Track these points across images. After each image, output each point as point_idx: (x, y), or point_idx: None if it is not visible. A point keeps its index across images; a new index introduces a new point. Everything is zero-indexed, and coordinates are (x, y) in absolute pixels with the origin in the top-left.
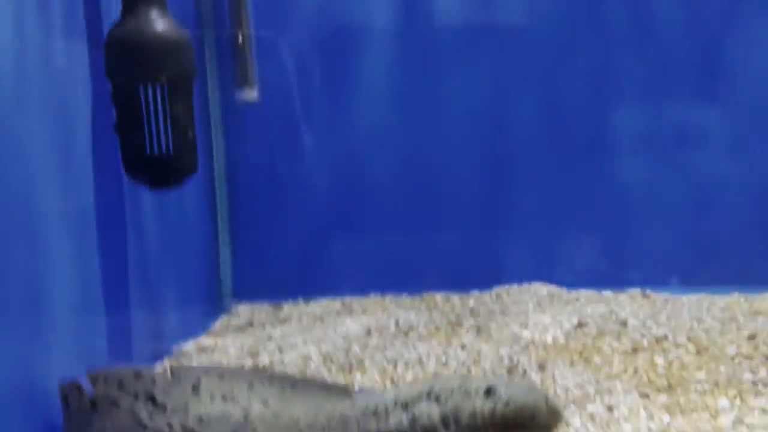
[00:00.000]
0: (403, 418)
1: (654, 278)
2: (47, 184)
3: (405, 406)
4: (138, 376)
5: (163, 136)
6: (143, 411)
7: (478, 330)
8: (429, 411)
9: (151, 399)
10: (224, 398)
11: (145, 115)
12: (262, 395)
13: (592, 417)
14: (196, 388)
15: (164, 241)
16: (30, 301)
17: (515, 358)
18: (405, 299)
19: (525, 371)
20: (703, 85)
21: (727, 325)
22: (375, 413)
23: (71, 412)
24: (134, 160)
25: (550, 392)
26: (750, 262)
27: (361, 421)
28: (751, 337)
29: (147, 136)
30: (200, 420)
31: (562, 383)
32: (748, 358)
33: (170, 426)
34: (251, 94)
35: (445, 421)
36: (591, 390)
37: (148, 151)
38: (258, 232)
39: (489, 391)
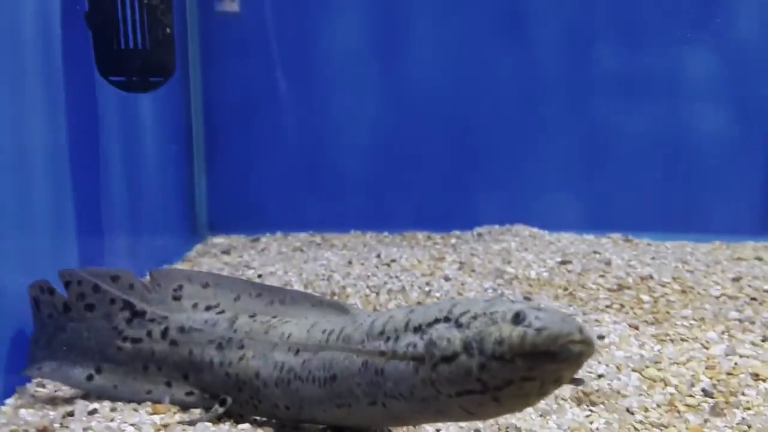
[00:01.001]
0: (417, 342)
1: (635, 225)
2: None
3: (418, 328)
4: (115, 279)
5: (138, 28)
6: (119, 317)
7: (461, 264)
8: (449, 335)
9: (129, 305)
10: (208, 308)
11: (120, 1)
12: (248, 307)
13: None
14: (177, 296)
15: (137, 168)
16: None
17: (499, 291)
18: (386, 236)
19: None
20: (687, 28)
21: (711, 267)
22: (382, 334)
23: (42, 317)
24: (107, 56)
25: None
26: (730, 212)
27: (366, 341)
28: (736, 279)
29: (121, 26)
30: (182, 330)
31: None
32: (733, 298)
33: (149, 334)
34: (232, 5)
35: (467, 347)
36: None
37: (122, 44)
38: (235, 164)
39: (517, 317)
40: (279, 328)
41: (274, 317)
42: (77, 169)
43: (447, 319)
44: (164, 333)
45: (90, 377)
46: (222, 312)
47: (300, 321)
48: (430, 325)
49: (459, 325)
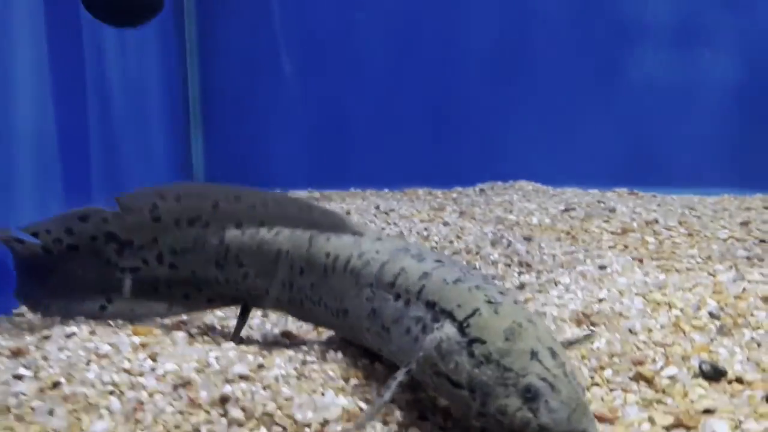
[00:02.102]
0: (427, 323)
1: (641, 179)
2: None
3: (431, 306)
4: (84, 218)
5: None
6: (108, 250)
7: (461, 213)
8: (458, 360)
9: (113, 237)
10: (191, 223)
11: None
12: (230, 215)
13: (582, 274)
14: (156, 216)
15: (132, 119)
16: None
17: (499, 234)
18: (386, 192)
19: (510, 242)
20: None
21: (719, 213)
22: (392, 286)
23: (23, 262)
24: None
25: (535, 258)
26: (739, 166)
27: (375, 286)
28: (744, 224)
29: None
30: (174, 252)
31: (549, 252)
32: (741, 240)
33: (146, 262)
34: None
35: (472, 389)
36: (580, 256)
37: None
38: (232, 121)
39: (528, 391)
40: (273, 244)
41: (262, 225)
42: (64, 127)
43: (461, 329)
44: (159, 258)
45: (103, 307)
46: (207, 225)
47: (293, 233)
48: (443, 313)
49: (470, 354)
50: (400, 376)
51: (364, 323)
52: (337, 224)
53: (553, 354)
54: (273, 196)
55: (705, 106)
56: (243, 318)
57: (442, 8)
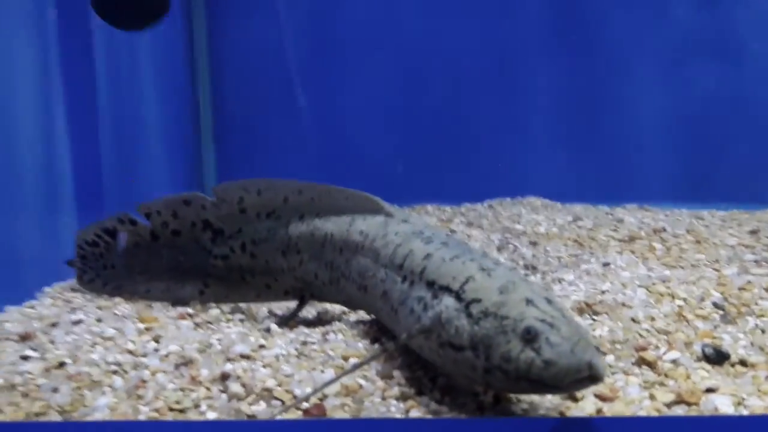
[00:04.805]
0: (428, 301)
1: (651, 196)
2: None
3: (431, 285)
4: (187, 203)
5: None
6: (204, 238)
7: (469, 224)
8: (458, 324)
9: (208, 224)
10: (268, 215)
11: None
12: (296, 206)
13: (587, 272)
14: (243, 208)
15: (144, 132)
16: None
17: (506, 240)
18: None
19: (516, 248)
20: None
21: (728, 222)
22: (401, 268)
23: (123, 247)
24: None
25: (541, 260)
26: (748, 182)
27: (388, 267)
28: (753, 232)
29: None
30: (254, 242)
31: (555, 254)
32: (750, 247)
33: (233, 250)
34: None
35: (474, 346)
36: (585, 257)
37: None
38: (244, 138)
39: (528, 333)
40: (322, 229)
41: (317, 215)
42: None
43: (458, 297)
44: (243, 247)
45: (201, 292)
46: (279, 217)
47: (339, 218)
48: (442, 289)
49: (469, 315)
50: (394, 344)
51: (377, 303)
52: (374, 208)
53: (549, 301)
54: (326, 188)
55: (714, 122)
56: (298, 308)
57: (452, 27)
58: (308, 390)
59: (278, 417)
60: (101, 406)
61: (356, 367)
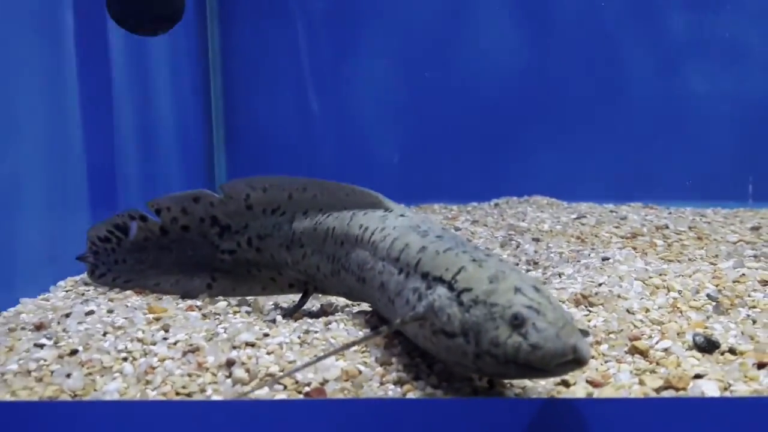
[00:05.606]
0: (422, 292)
1: (657, 195)
2: None
3: (425, 276)
4: (196, 200)
5: None
6: (211, 233)
7: (474, 221)
8: (450, 312)
9: (216, 220)
10: (273, 211)
11: None
12: (301, 204)
13: (586, 266)
14: (249, 204)
15: (157, 133)
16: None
17: (509, 237)
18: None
19: (519, 244)
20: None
21: (730, 219)
22: (398, 261)
23: (132, 242)
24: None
25: (542, 256)
26: (755, 180)
27: (386, 260)
28: (755, 228)
29: None
30: (260, 237)
31: (556, 250)
32: (751, 243)
33: (239, 245)
34: None
35: (465, 333)
36: (586, 252)
37: None
38: (254, 137)
39: (515, 319)
40: (324, 224)
41: (321, 211)
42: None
43: (450, 287)
44: (249, 242)
45: (209, 285)
46: (283, 213)
47: (340, 213)
48: (435, 280)
49: (460, 303)
50: (387, 327)
51: (375, 294)
52: (374, 202)
53: (537, 289)
54: (328, 184)
55: (721, 122)
56: (302, 300)
57: (461, 28)
58: (310, 375)
59: (255, 392)
60: (111, 390)
61: (347, 346)
